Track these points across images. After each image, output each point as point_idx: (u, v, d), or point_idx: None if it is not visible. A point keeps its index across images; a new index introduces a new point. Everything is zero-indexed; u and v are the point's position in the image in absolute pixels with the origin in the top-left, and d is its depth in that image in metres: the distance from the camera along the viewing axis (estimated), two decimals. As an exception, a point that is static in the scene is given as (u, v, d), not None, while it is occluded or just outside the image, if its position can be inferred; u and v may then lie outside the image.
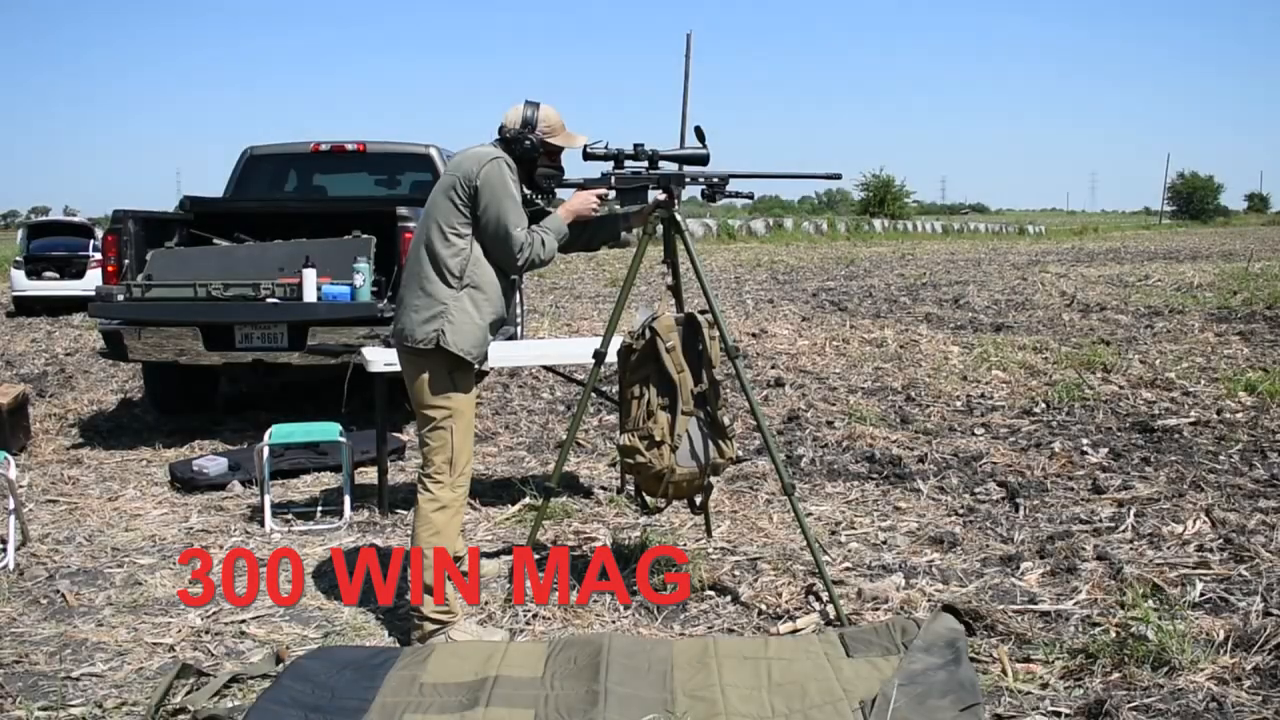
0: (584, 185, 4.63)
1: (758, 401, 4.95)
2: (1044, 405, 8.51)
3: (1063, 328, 13.28)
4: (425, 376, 4.31)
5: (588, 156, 4.61)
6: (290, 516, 6.17)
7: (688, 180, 4.73)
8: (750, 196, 4.85)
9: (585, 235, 4.68)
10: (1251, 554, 5.01)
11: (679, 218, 4.70)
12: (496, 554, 5.40)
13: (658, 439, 4.51)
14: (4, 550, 5.44)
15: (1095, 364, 10.21)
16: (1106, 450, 7.03)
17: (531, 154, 4.41)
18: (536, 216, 4.52)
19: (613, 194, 4.68)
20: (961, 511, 5.95)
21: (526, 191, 4.51)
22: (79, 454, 7.76)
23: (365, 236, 8.07)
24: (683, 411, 4.54)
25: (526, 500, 6.23)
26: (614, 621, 4.59)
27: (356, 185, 10.57)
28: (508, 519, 6.01)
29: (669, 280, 4.80)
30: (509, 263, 4.33)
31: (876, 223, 55.89)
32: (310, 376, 8.95)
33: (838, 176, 5.06)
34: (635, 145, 4.64)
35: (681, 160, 4.67)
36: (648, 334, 4.59)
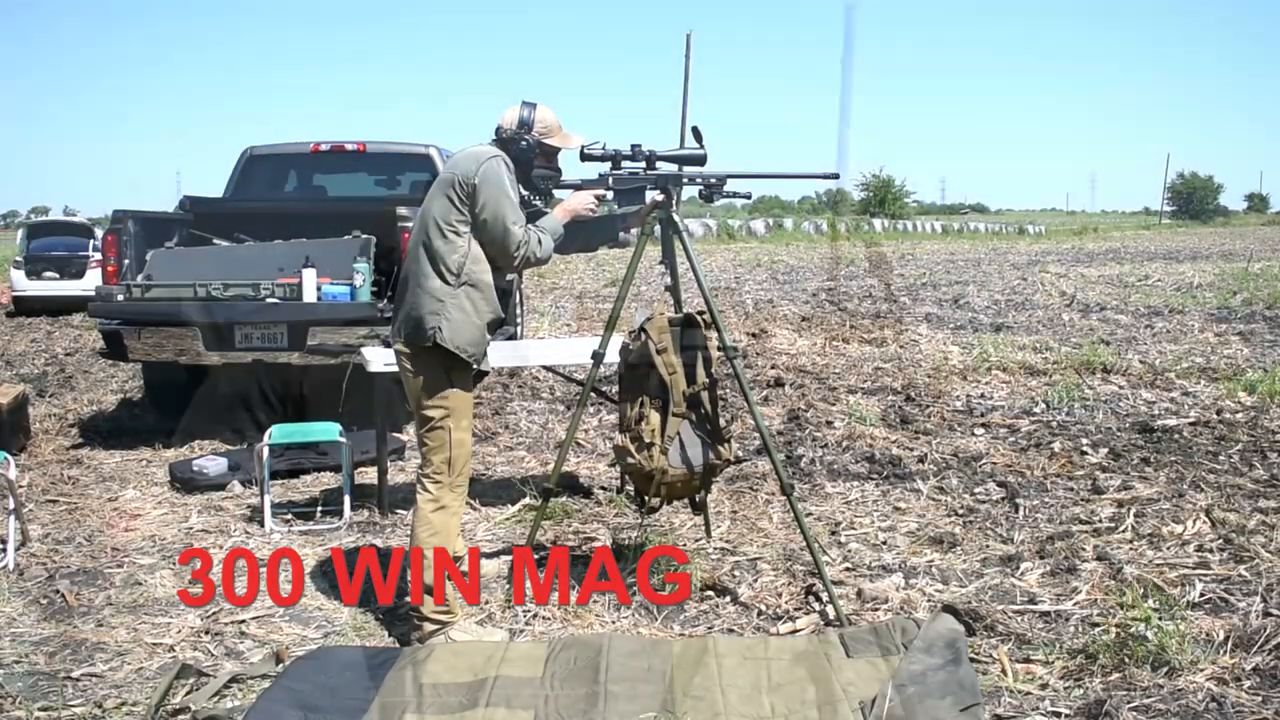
0: (581, 186, 4.65)
1: (756, 401, 4.95)
2: (1044, 405, 8.52)
3: (1063, 328, 13.30)
4: (423, 376, 4.32)
5: (585, 157, 4.63)
6: (290, 516, 6.18)
7: (685, 180, 4.74)
8: (748, 196, 4.87)
9: (583, 235, 4.70)
10: (1251, 554, 5.02)
11: (677, 218, 4.71)
12: (496, 554, 5.40)
13: (647, 440, 4.52)
14: (4, 550, 5.44)
15: (1095, 364, 10.22)
16: (1106, 450, 7.03)
17: (528, 154, 4.43)
18: (533, 218, 4.54)
19: (610, 194, 4.70)
20: (961, 511, 5.95)
21: (524, 192, 4.52)
22: (79, 454, 7.76)
23: (365, 236, 8.08)
24: (674, 413, 4.55)
25: (526, 500, 6.23)
26: (614, 621, 4.59)
27: (356, 185, 10.58)
28: (507, 519, 6.02)
29: (667, 280, 4.81)
30: (506, 259, 4.35)
31: (876, 223, 55.94)
32: (310, 377, 8.94)
33: (835, 176, 5.06)
34: (633, 146, 4.66)
35: (679, 160, 4.69)
36: (642, 335, 4.60)
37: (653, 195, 4.74)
